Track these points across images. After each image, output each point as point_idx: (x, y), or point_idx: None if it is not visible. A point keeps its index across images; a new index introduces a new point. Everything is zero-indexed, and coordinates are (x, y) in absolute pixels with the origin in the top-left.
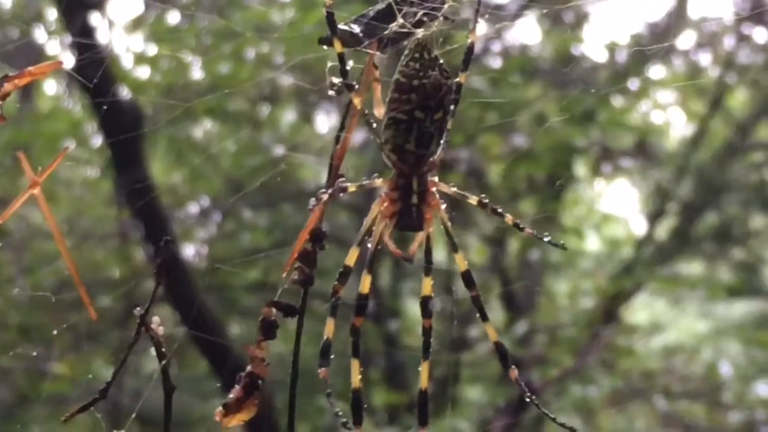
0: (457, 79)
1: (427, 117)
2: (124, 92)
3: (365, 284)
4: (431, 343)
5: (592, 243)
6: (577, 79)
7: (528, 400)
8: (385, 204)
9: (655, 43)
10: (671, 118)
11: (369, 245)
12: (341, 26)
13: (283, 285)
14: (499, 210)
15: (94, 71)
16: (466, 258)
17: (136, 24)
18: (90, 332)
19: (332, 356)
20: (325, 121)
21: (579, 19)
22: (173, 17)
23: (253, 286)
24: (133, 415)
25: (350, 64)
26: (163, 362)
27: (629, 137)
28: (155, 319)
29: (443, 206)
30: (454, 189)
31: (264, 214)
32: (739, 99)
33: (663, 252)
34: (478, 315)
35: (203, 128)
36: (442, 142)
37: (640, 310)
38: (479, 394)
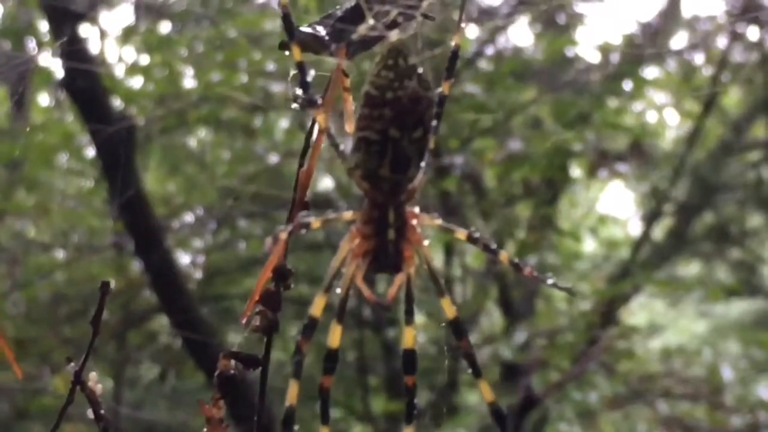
0: (440, 90)
1: (403, 136)
2: (116, 102)
3: (334, 338)
4: (416, 405)
5: (589, 244)
6: (571, 80)
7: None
8: (357, 241)
9: (648, 43)
10: (666, 119)
11: (338, 290)
12: (303, 28)
13: (243, 333)
14: (493, 246)
15: (86, 82)
16: (454, 303)
17: (127, 34)
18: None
19: (296, 427)
20: None
21: (571, 20)
22: (164, 26)
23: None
24: None
25: (312, 73)
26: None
27: (624, 139)
28: (92, 375)
29: (426, 242)
30: (439, 221)
31: (259, 222)
32: (734, 98)
33: (660, 253)
34: (470, 371)
35: (197, 137)
36: (422, 165)
37: (639, 311)
38: (478, 400)
